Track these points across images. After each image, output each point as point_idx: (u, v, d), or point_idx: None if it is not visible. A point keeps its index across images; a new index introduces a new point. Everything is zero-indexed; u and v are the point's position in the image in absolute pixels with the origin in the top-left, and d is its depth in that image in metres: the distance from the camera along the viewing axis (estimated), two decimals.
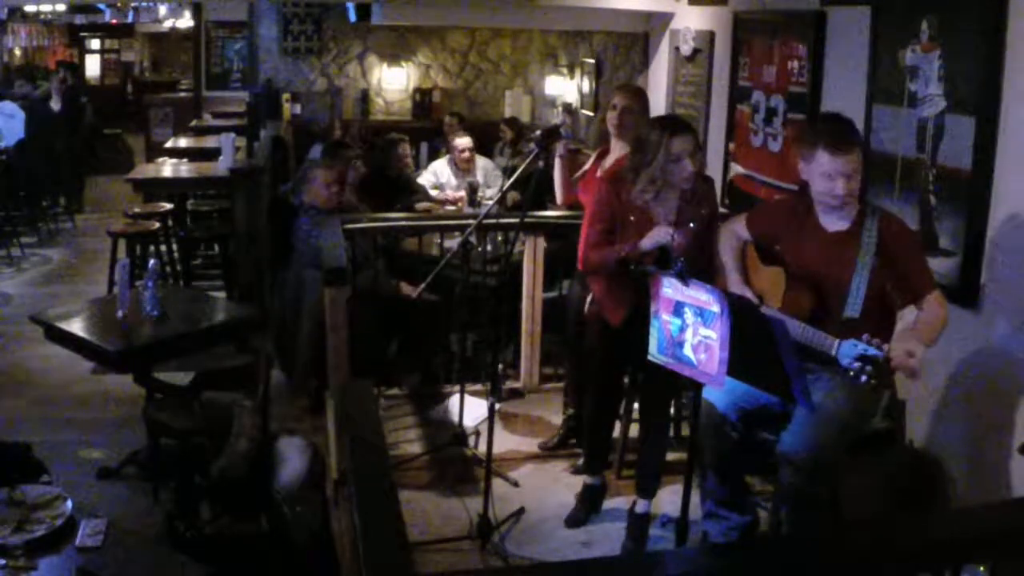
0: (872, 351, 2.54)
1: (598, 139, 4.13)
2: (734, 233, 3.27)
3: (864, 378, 2.56)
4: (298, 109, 9.35)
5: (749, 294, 3.09)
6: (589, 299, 3.72)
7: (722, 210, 5.12)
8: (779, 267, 3.10)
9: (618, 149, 3.92)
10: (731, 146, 5.18)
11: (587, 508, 3.75)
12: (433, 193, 6.46)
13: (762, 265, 3.18)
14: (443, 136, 8.35)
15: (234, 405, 3.52)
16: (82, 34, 17.77)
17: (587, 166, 4.06)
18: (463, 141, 6.58)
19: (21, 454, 3.25)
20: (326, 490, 3.56)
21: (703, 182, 3.46)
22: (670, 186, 3.30)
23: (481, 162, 6.76)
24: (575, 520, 3.71)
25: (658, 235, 3.24)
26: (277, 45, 9.42)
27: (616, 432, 3.94)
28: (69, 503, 2.70)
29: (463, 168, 6.55)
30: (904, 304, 2.95)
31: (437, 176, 6.64)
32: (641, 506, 3.59)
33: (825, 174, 2.84)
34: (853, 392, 2.80)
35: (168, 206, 6.97)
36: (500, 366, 4.61)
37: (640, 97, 3.99)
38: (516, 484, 4.00)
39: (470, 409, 4.38)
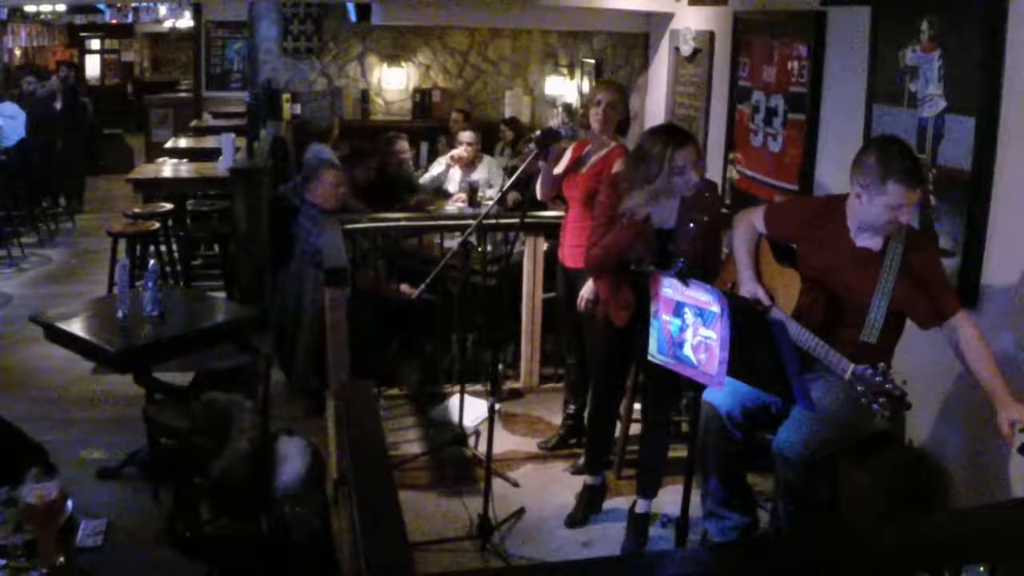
0: (889, 386, 2.54)
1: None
2: (751, 225, 3.22)
3: (876, 407, 2.55)
4: (298, 109, 9.34)
5: (761, 293, 3.07)
6: (587, 294, 3.72)
7: (723, 210, 5.14)
8: (793, 269, 3.07)
9: (600, 144, 3.93)
10: (732, 155, 5.18)
11: (587, 508, 3.75)
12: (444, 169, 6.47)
13: (775, 263, 3.15)
14: (448, 133, 8.30)
15: (234, 405, 3.52)
16: (82, 34, 17.76)
17: (565, 161, 4.05)
18: (466, 135, 6.62)
19: (18, 438, 3.25)
20: (326, 490, 3.56)
21: (706, 188, 3.45)
22: (671, 195, 3.30)
23: (486, 159, 6.78)
24: (575, 520, 3.71)
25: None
26: (277, 45, 9.42)
27: (616, 432, 3.94)
28: (69, 503, 2.70)
29: (467, 163, 6.57)
30: (927, 325, 2.89)
31: (444, 168, 6.67)
32: (641, 506, 3.59)
33: (891, 206, 2.77)
34: (851, 392, 2.80)
35: (168, 206, 6.97)
36: (500, 366, 4.62)
37: (621, 92, 4.02)
38: (516, 484, 4.00)
39: (470, 409, 4.38)
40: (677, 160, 3.19)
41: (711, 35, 5.40)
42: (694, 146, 3.26)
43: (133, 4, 15.48)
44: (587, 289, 3.70)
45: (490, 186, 6.51)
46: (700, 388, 2.90)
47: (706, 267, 3.31)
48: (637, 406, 3.93)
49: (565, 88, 8.29)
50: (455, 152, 6.50)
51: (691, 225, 3.28)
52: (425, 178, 6.72)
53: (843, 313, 2.91)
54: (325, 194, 4.95)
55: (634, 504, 3.61)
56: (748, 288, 3.10)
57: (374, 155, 6.31)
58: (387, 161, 6.45)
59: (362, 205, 5.56)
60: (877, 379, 2.57)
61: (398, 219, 5.29)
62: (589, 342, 3.82)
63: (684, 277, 2.42)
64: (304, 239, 4.85)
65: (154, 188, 7.33)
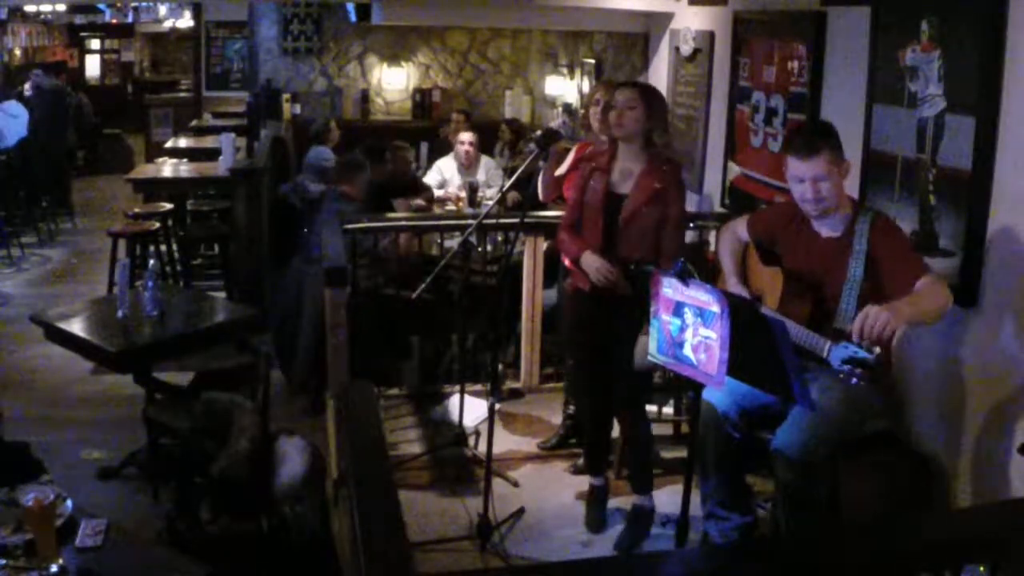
0: (862, 354, 2.54)
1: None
2: (735, 234, 3.30)
3: (855, 380, 2.56)
4: (298, 109, 9.35)
5: (746, 295, 3.11)
6: (563, 276, 3.74)
7: (721, 210, 5.14)
8: (778, 267, 3.11)
9: (600, 144, 3.94)
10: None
11: (600, 509, 3.74)
12: (438, 193, 6.48)
13: (763, 266, 3.19)
14: (447, 131, 8.27)
15: (234, 405, 3.53)
16: (82, 34, 17.75)
17: (568, 162, 4.06)
18: (467, 135, 6.62)
19: (21, 453, 3.26)
20: (326, 490, 3.56)
21: (665, 162, 3.44)
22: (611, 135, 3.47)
23: (484, 160, 6.78)
24: (596, 524, 3.68)
25: (593, 267, 3.39)
26: (277, 45, 9.43)
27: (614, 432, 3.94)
28: (69, 503, 2.70)
29: (466, 164, 6.57)
30: (902, 296, 2.85)
31: (442, 173, 6.66)
32: (638, 501, 3.60)
33: (792, 178, 2.91)
34: (849, 391, 2.80)
35: (168, 206, 6.98)
36: (500, 366, 4.62)
37: None
38: (516, 484, 4.00)
39: (470, 409, 4.38)
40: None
41: (711, 35, 5.40)
42: (634, 92, 3.39)
43: (133, 4, 15.49)
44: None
45: (490, 186, 6.52)
46: (700, 388, 2.90)
47: (660, 249, 3.36)
48: None
49: (565, 88, 8.29)
50: (451, 195, 6.50)
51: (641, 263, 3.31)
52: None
53: (823, 302, 2.93)
54: (360, 188, 5.19)
55: (635, 502, 3.62)
56: (733, 292, 3.12)
57: (403, 151, 6.39)
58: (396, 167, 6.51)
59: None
60: (849, 350, 2.56)
61: (398, 219, 5.29)
62: (565, 315, 3.82)
63: (684, 277, 2.42)
64: (325, 220, 4.92)
65: (154, 188, 7.33)
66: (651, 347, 2.56)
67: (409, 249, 5.21)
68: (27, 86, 10.41)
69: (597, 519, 3.70)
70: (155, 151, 10.68)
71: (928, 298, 2.71)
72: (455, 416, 4.42)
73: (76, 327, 4.20)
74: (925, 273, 2.79)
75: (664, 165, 3.42)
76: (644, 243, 3.35)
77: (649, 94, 3.44)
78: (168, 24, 17.50)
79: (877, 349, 2.55)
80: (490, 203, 4.72)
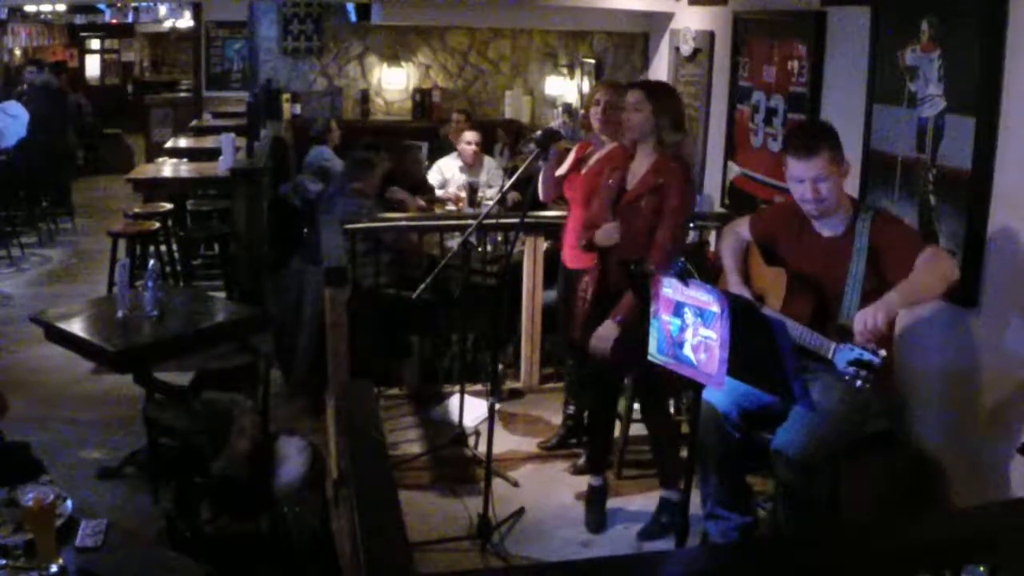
0: (867, 356, 2.54)
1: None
2: (737, 235, 3.30)
3: (860, 383, 2.56)
4: (298, 109, 9.34)
5: (747, 295, 3.11)
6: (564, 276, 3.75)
7: (721, 210, 5.14)
8: (781, 267, 3.11)
9: (603, 145, 3.94)
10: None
11: (600, 509, 3.74)
12: (439, 193, 6.49)
13: (765, 266, 3.18)
14: (447, 131, 8.25)
15: (234, 405, 3.53)
16: (82, 34, 17.73)
17: (568, 162, 4.06)
18: (471, 134, 6.61)
19: (21, 453, 3.25)
20: (326, 490, 3.56)
21: (673, 159, 3.46)
22: (622, 134, 3.56)
23: (486, 160, 6.78)
24: (597, 524, 3.69)
25: (605, 233, 3.46)
26: (277, 45, 9.42)
27: (617, 432, 3.94)
28: (69, 503, 2.70)
29: (471, 163, 6.57)
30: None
31: (442, 173, 6.66)
32: (664, 494, 3.64)
33: (792, 178, 2.92)
34: (850, 391, 2.80)
35: (168, 206, 6.97)
36: (500, 366, 4.62)
37: (621, 92, 4.01)
38: (516, 484, 4.00)
39: (470, 409, 4.38)
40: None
41: (711, 35, 5.40)
42: (630, 91, 3.46)
43: (133, 4, 15.48)
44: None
45: (490, 186, 6.52)
46: (700, 388, 2.90)
47: (653, 240, 3.38)
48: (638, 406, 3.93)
49: (565, 88, 8.28)
50: (451, 195, 6.52)
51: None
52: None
53: (826, 302, 2.93)
54: (372, 184, 5.28)
55: (661, 495, 3.65)
56: (734, 292, 3.12)
57: (413, 150, 6.43)
58: (406, 167, 6.55)
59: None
60: (854, 352, 2.57)
61: (398, 219, 5.29)
62: (576, 307, 3.83)
63: (684, 277, 2.42)
64: (340, 211, 4.99)
65: (154, 188, 7.32)
66: (651, 347, 2.56)
67: (415, 244, 5.23)
68: (25, 85, 10.41)
69: (597, 519, 3.70)
70: (155, 151, 10.66)
71: (924, 273, 2.72)
72: (455, 416, 4.42)
73: (76, 327, 4.19)
74: (923, 249, 2.79)
75: (671, 162, 3.44)
76: (636, 233, 3.36)
77: (656, 93, 3.45)
78: (168, 24, 17.49)
79: (883, 352, 2.55)
80: (490, 203, 4.72)
